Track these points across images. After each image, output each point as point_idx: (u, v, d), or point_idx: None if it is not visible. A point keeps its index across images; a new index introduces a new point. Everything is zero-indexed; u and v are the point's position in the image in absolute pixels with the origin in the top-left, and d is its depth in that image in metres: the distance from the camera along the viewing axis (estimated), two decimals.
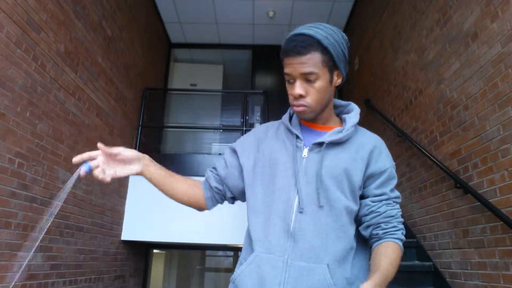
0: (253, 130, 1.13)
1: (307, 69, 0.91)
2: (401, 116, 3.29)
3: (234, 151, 1.10)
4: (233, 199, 1.12)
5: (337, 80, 0.99)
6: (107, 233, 3.44)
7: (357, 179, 0.95)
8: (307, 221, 0.91)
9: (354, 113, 1.03)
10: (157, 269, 7.93)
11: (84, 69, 2.99)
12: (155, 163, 1.05)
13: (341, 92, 5.70)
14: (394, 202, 0.99)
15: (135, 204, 3.84)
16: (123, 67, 3.81)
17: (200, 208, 1.11)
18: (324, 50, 0.92)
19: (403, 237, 0.96)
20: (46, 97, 2.48)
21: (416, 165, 2.94)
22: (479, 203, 2.06)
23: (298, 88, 0.93)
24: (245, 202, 1.07)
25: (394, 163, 1.03)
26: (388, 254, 0.91)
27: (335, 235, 0.91)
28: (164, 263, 8.49)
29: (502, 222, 1.87)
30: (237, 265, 1.00)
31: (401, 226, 0.97)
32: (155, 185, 1.04)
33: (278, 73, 5.72)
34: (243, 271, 0.93)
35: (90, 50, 3.08)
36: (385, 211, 0.96)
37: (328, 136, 0.97)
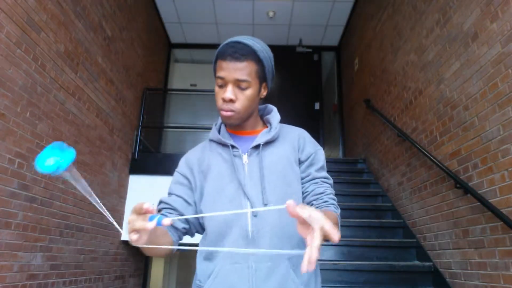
0: (183, 159, 1.10)
1: (241, 76, 0.94)
2: (401, 116, 3.29)
3: (185, 185, 1.05)
4: (193, 234, 1.10)
5: (263, 92, 1.05)
6: (107, 233, 3.44)
7: (297, 168, 1.02)
8: (263, 223, 0.93)
9: (274, 113, 1.11)
10: (157, 269, 7.92)
11: (84, 69, 2.99)
12: None
13: (341, 93, 5.70)
14: (321, 181, 1.03)
15: (135, 204, 3.82)
16: (123, 67, 3.81)
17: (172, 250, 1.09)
18: (258, 61, 0.97)
19: (337, 210, 0.99)
20: (46, 97, 2.48)
21: (416, 165, 2.94)
22: (479, 203, 2.06)
23: (229, 92, 0.95)
24: None
25: (320, 147, 1.09)
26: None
27: (289, 230, 0.92)
28: (164, 263, 8.49)
29: (502, 222, 1.87)
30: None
31: (332, 201, 1.01)
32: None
33: (277, 73, 5.71)
34: (210, 287, 0.92)
35: (90, 50, 3.08)
36: (313, 190, 1.01)
37: (260, 138, 1.03)
